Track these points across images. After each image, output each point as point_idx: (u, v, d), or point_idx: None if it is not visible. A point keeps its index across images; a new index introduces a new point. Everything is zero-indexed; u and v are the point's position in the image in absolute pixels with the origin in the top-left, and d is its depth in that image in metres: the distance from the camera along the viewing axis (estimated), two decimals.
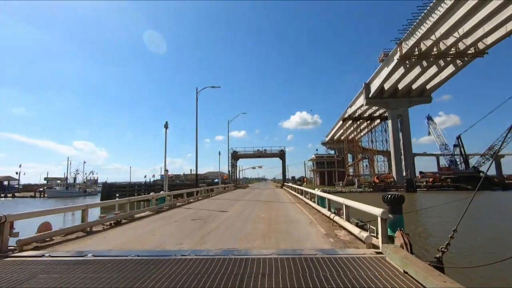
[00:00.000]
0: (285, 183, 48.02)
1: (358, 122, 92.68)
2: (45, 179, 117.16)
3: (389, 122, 71.70)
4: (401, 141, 70.46)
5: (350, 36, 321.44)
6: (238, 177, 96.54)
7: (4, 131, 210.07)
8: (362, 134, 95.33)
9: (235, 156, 52.70)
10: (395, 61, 57.69)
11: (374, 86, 70.50)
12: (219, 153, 54.94)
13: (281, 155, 52.01)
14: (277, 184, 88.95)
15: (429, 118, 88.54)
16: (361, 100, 79.93)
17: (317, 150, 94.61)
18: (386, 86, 68.71)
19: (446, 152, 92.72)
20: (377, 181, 67.21)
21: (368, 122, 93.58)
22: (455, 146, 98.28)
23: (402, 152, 69.87)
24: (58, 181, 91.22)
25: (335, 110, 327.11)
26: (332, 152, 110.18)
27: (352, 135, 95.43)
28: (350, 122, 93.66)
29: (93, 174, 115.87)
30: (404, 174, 68.56)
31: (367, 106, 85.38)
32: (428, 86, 69.05)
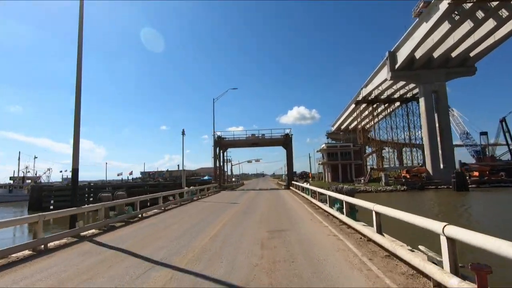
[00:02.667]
0: (292, 182, 32.61)
1: (375, 105, 77.02)
2: (10, 178, 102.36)
3: (421, 100, 56.21)
4: (437, 125, 55.11)
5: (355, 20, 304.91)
6: (229, 172, 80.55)
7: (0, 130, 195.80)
8: (378, 119, 79.88)
9: (222, 144, 37.42)
10: (441, 11, 41.92)
11: (402, 54, 54.79)
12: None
13: (285, 141, 36.31)
14: (278, 181, 74.03)
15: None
16: (383, 75, 64.25)
17: (326, 143, 79.14)
18: (418, 53, 53.08)
19: (469, 142, 78.23)
20: (408, 176, 52.01)
21: (386, 105, 78.18)
22: (482, 134, 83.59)
23: (438, 139, 54.55)
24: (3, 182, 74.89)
25: (335, 103, 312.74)
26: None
27: (367, 120, 79.74)
28: (364, 105, 78.23)
29: (50, 171, 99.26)
30: (441, 166, 53.42)
31: (386, 85, 69.92)
32: (472, 53, 53.44)
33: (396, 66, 56.26)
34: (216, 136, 35.89)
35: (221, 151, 39.11)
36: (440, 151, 54.26)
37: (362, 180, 53.00)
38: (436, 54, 53.23)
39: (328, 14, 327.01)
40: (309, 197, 18.47)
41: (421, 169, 54.67)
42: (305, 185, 21.08)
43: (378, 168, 63.50)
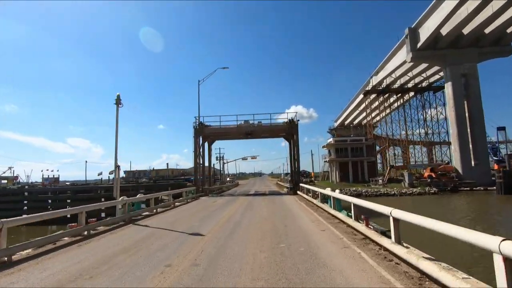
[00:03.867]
0: (299, 183, 23.52)
1: (387, 95, 68.27)
2: None
3: (448, 86, 47.45)
4: (466, 115, 46.47)
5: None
6: (225, 171, 71.90)
7: None
8: (390, 110, 71.16)
9: (206, 134, 28.34)
10: None
11: (425, 31, 46.01)
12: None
13: (289, 130, 26.60)
14: (278, 181, 64.81)
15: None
16: (399, 58, 55.59)
17: (334, 137, 70.46)
18: (445, 30, 44.35)
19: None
20: (433, 175, 43.29)
21: (399, 95, 69.50)
22: (499, 129, 75.10)
23: (469, 132, 45.89)
24: None
25: (334, 102, 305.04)
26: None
27: (376, 111, 70.95)
28: (373, 96, 69.51)
29: (31, 171, 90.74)
30: (473, 163, 44.81)
31: (401, 72, 61.21)
32: (510, 29, 44.85)
33: (419, 45, 47.44)
34: (197, 122, 26.90)
35: (206, 143, 30.08)
36: (470, 146, 45.60)
37: (380, 181, 44.24)
38: (466, 30, 44.52)
39: (327, 10, 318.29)
40: (345, 218, 9.56)
41: (448, 167, 45.99)
42: (329, 192, 12.12)
43: (399, 166, 54.72)
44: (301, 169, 35.91)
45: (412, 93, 69.61)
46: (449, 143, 66.83)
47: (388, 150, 65.22)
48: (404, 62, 55.59)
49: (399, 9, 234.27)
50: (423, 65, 58.28)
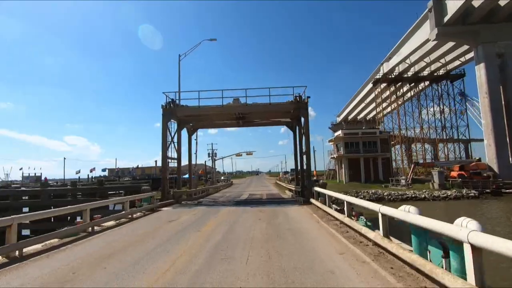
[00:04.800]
0: (315, 188, 15.51)
1: (399, 84, 60.81)
2: None
3: (479, 68, 39.87)
4: (502, 103, 39.07)
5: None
6: (222, 170, 64.82)
7: None
8: (404, 100, 63.72)
9: (182, 120, 20.60)
10: None
11: (453, 4, 38.44)
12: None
13: (295, 111, 19.19)
14: (277, 181, 56.41)
15: (462, 94, 58.17)
16: (419, 38, 48.05)
17: (343, 129, 63.03)
18: (477, 1, 36.86)
19: None
20: (465, 174, 35.85)
21: (412, 85, 62.06)
22: None
23: (506, 123, 38.50)
24: None
25: (333, 101, 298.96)
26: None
27: (388, 101, 63.41)
28: (384, 85, 62.04)
29: (10, 169, 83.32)
30: (511, 161, 37.48)
31: (417, 57, 53.69)
32: None
33: (445, 20, 39.85)
34: (166, 101, 19.03)
35: (183, 131, 22.24)
36: (508, 140, 38.23)
37: (403, 181, 36.65)
38: (503, 1, 37.04)
39: (326, 5, 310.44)
40: None
41: (481, 165, 38.57)
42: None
43: (425, 163, 47.12)
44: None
45: (427, 83, 62.31)
46: (469, 141, 59.74)
47: (407, 145, 57.74)
48: (423, 44, 48.24)
49: None
50: (443, 49, 50.83)
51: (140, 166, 73.82)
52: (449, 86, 60.95)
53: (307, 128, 19.18)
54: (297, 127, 22.04)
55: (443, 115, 59.90)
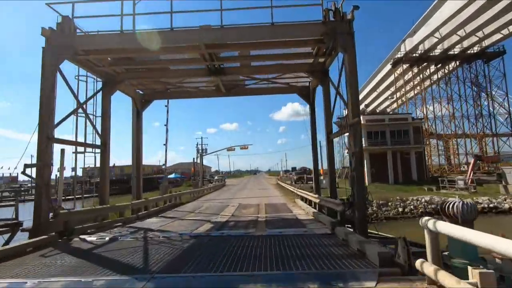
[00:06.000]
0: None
1: (424, 64, 50.66)
2: None
3: None
4: None
5: None
6: (218, 168, 55.82)
7: None
8: (431, 83, 53.65)
9: (108, 74, 11.32)
10: None
11: None
12: None
13: (324, 44, 9.28)
14: (279, 181, 45.20)
15: None
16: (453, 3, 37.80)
17: (366, 113, 52.21)
18: None
19: None
20: None
21: (439, 65, 51.97)
22: None
23: None
24: None
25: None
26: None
27: (410, 85, 53.23)
28: (406, 66, 51.91)
29: None
30: None
31: (449, 30, 43.51)
32: None
33: None
34: (58, 21, 9.28)
35: (109, 91, 11.93)
36: None
37: (461, 182, 26.20)
38: None
39: None
40: None
41: None
42: None
43: (490, 158, 36.79)
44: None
45: (456, 64, 52.23)
46: None
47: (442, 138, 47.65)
48: (457, 13, 38.34)
49: None
50: (482, 18, 40.72)
51: (116, 164, 63.01)
52: (484, 67, 50.91)
53: (354, 73, 8.93)
54: (323, 87, 11.81)
55: (478, 101, 49.79)
